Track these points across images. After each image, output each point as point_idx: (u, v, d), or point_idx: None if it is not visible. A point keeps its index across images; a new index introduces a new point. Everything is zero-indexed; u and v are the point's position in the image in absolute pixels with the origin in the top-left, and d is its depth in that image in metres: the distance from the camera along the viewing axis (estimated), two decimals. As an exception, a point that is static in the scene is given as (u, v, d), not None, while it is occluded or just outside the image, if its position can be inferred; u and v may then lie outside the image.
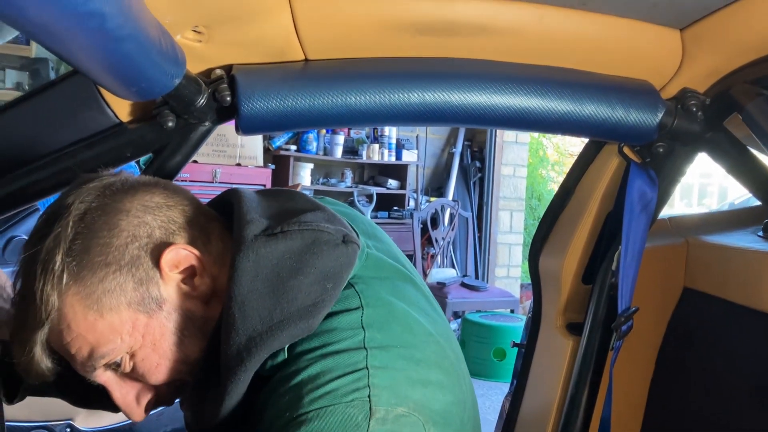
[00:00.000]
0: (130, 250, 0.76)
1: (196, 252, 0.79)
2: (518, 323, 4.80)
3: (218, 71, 0.99)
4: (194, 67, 0.98)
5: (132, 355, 0.78)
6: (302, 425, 0.70)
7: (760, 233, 1.28)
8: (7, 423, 0.94)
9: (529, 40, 1.03)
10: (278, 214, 0.82)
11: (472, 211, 6.13)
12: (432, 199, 6.03)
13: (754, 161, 1.15)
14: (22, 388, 0.94)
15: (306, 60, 1.01)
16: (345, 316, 0.77)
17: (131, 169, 2.38)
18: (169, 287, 0.78)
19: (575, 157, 1.35)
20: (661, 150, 1.14)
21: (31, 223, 1.61)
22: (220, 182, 4.64)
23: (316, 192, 5.46)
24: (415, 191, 6.02)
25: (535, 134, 8.16)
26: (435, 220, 5.68)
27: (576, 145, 8.77)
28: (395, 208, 5.90)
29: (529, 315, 1.62)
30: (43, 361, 0.77)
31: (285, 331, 0.74)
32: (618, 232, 1.18)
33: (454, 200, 5.92)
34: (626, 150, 1.20)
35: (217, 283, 0.81)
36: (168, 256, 0.77)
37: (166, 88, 0.89)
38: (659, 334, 1.35)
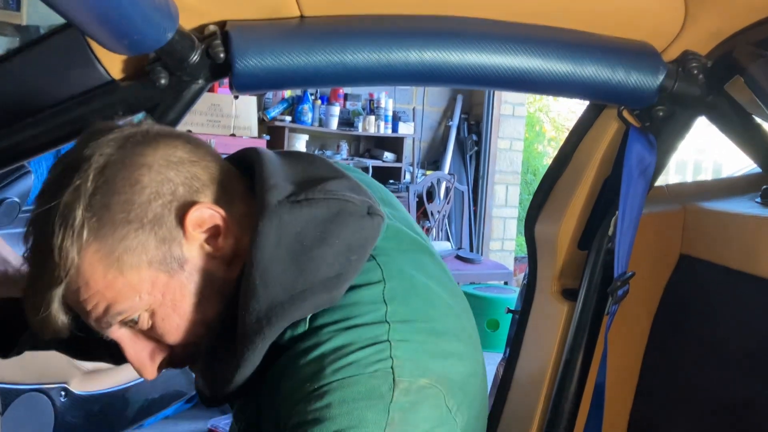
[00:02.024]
0: (153, 207, 0.74)
1: (222, 212, 0.77)
2: (512, 294, 4.82)
3: (212, 27, 0.97)
4: (187, 23, 0.96)
5: (152, 314, 0.76)
6: (325, 396, 0.69)
7: (758, 200, 1.27)
8: (1, 385, 0.93)
9: (529, -2, 1.01)
10: (302, 181, 0.80)
11: (468, 185, 6.11)
12: (428, 172, 6.01)
13: (754, 126, 1.14)
14: (19, 342, 0.93)
15: (301, 16, 0.99)
16: (367, 289, 0.76)
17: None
18: (191, 247, 0.76)
19: (573, 125, 1.34)
20: (661, 114, 1.13)
21: (22, 185, 1.60)
22: (214, 153, 4.62)
23: (312, 164, 5.44)
24: (411, 164, 6.00)
25: (532, 108, 8.13)
26: (431, 194, 5.66)
27: (572, 120, 8.73)
28: (391, 181, 5.88)
29: (524, 282, 1.62)
30: (60, 317, 0.74)
31: (307, 302, 0.73)
32: (615, 198, 1.17)
33: (450, 174, 5.90)
34: (625, 114, 1.18)
35: (239, 245, 0.79)
36: (193, 216, 0.75)
37: (159, 43, 0.88)
38: (655, 300, 1.35)
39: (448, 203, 5.65)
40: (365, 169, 5.56)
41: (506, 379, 1.44)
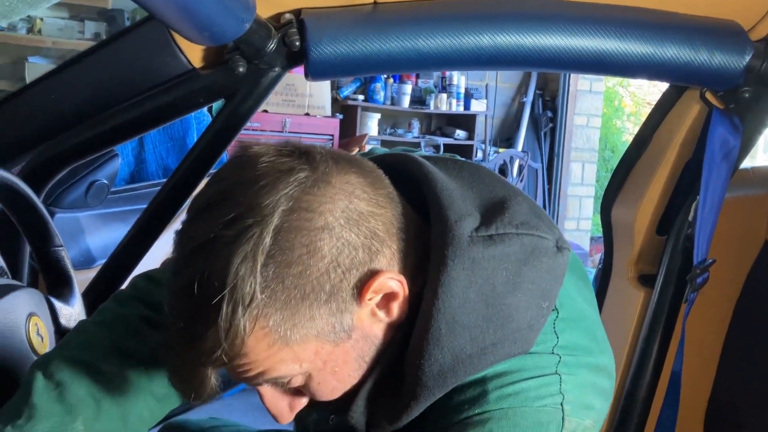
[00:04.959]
0: (331, 279, 0.64)
1: (403, 280, 0.68)
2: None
3: (288, 16, 0.99)
4: (264, 12, 0.98)
5: (308, 377, 0.69)
6: (486, 423, 0.65)
7: None
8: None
9: (607, -22, 0.98)
10: (485, 205, 0.71)
11: (542, 163, 6.01)
12: (501, 150, 5.93)
13: None
14: None
15: (375, 3, 1.00)
16: None
17: (202, 116, 2.42)
18: (362, 314, 0.67)
19: (653, 106, 1.30)
20: (746, 95, 1.09)
21: (110, 167, 1.69)
22: (289, 132, 4.68)
23: (383, 143, 5.46)
24: (483, 142, 5.94)
25: (610, 83, 7.88)
26: (503, 172, 5.60)
27: (653, 94, 8.42)
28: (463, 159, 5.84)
29: (599, 267, 1.59)
30: (212, 384, 0.66)
31: (496, 355, 0.67)
32: (697, 182, 1.14)
33: (523, 151, 5.82)
34: (708, 95, 1.14)
35: (412, 294, 0.69)
36: (373, 287, 0.66)
37: (237, 33, 0.90)
38: (737, 288, 1.30)
39: (521, 181, 5.57)
40: (437, 147, 5.55)
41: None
